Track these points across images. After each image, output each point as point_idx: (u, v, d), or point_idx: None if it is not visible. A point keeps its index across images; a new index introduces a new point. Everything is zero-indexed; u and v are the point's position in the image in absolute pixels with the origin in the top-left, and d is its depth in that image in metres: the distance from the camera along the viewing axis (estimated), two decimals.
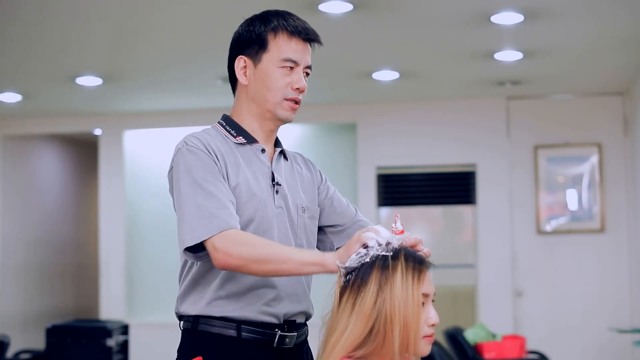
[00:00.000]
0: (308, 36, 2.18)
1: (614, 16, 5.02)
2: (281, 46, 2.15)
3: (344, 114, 7.63)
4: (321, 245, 2.32)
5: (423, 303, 1.83)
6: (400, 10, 4.85)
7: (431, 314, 1.84)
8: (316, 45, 2.21)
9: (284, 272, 1.97)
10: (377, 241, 1.84)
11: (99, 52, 5.74)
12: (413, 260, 1.83)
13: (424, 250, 1.91)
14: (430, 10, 4.88)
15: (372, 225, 2.05)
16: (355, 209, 2.36)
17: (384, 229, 1.88)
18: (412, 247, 1.89)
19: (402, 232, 1.91)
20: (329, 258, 1.90)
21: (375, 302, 1.79)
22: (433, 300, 1.87)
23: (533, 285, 7.22)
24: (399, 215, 1.97)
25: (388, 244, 1.85)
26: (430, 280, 1.86)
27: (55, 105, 7.47)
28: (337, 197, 2.35)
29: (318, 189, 2.32)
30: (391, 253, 1.83)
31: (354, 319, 1.80)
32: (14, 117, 7.92)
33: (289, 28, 2.15)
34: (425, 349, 1.84)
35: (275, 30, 2.16)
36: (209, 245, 2.00)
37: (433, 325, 1.84)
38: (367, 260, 1.83)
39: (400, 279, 1.80)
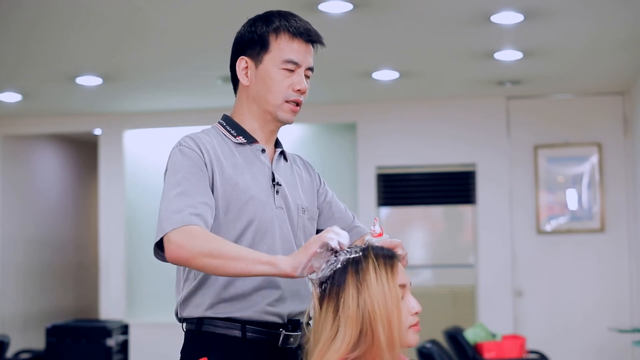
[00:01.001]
0: (310, 37, 2.16)
1: (614, 16, 5.02)
2: (283, 47, 2.14)
3: (344, 114, 7.63)
4: None
5: (402, 296, 1.85)
6: (400, 10, 4.85)
7: (412, 304, 1.88)
8: (318, 46, 2.20)
9: (233, 269, 1.90)
10: (338, 241, 1.85)
11: (99, 52, 5.73)
12: (383, 256, 1.86)
13: (401, 253, 1.93)
14: (430, 10, 4.88)
15: (367, 231, 2.05)
16: (353, 215, 2.36)
17: (340, 229, 1.87)
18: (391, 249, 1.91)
19: (381, 234, 1.94)
20: (282, 259, 1.87)
21: (358, 305, 1.81)
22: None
23: (533, 285, 7.22)
24: (377, 218, 2.01)
25: (351, 246, 1.87)
26: (404, 271, 1.89)
27: (55, 105, 7.46)
28: (335, 201, 2.35)
29: (317, 192, 2.32)
30: (360, 254, 1.85)
31: (343, 326, 1.81)
32: (14, 117, 7.92)
33: (290, 29, 2.14)
34: (413, 338, 1.87)
35: (277, 31, 2.14)
36: (165, 239, 1.96)
37: (417, 313, 1.88)
38: (339, 266, 1.85)
39: (374, 276, 1.82)
